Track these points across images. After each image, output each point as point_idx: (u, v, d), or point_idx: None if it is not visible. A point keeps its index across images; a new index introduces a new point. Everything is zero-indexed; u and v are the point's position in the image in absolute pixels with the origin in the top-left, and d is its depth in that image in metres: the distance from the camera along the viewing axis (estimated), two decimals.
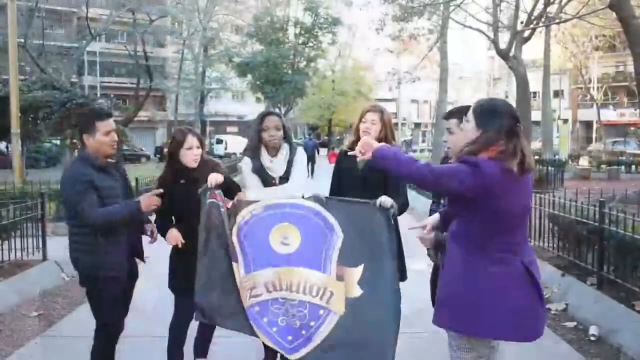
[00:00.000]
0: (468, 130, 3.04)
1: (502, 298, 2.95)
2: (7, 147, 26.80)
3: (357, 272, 3.87)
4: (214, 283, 3.91)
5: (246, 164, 4.29)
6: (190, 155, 4.14)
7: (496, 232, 2.99)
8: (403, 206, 4.20)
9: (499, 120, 2.93)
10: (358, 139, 4.31)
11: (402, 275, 4.32)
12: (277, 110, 42.29)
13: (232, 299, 3.91)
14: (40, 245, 8.05)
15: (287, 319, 3.85)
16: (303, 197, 3.97)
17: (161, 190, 3.97)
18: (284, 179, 4.29)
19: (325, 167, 31.22)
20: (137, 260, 4.26)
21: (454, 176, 2.91)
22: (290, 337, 3.83)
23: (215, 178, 3.92)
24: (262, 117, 4.30)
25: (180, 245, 4.05)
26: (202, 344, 4.48)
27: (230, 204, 3.94)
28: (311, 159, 29.40)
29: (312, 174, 27.79)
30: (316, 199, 3.90)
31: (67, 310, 6.43)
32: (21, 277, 7.16)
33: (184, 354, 4.39)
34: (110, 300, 3.96)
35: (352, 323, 3.81)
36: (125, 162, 37.58)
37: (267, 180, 4.26)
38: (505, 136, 2.90)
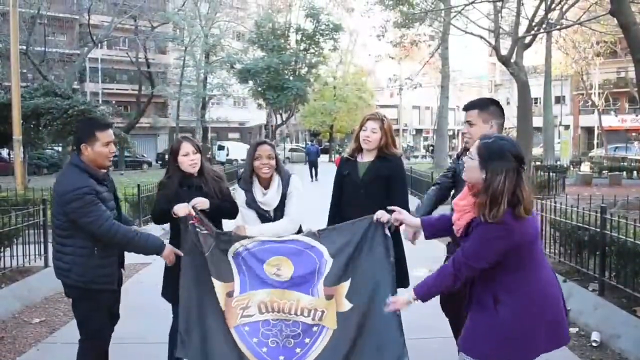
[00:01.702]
0: (471, 167, 2.95)
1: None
2: (9, 154, 26.83)
3: (345, 286, 3.97)
4: (195, 314, 4.01)
5: (240, 196, 4.32)
6: (187, 161, 4.20)
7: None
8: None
9: (504, 164, 2.83)
10: (359, 146, 4.43)
11: (404, 281, 4.35)
12: (277, 117, 42.32)
13: (223, 342, 3.98)
14: (42, 252, 8.06)
15: (278, 340, 3.95)
16: (300, 230, 4.15)
17: (181, 254, 3.99)
18: (279, 211, 4.29)
19: (329, 172, 31.32)
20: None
21: (479, 259, 2.90)
22: (282, 357, 3.92)
23: (198, 203, 4.04)
24: (256, 146, 4.30)
25: (169, 264, 4.04)
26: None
27: (210, 229, 4.03)
28: (314, 165, 29.56)
29: (316, 178, 28.07)
30: (309, 234, 4.04)
31: (69, 317, 6.41)
32: (23, 284, 7.17)
33: None
34: (101, 312, 3.93)
35: (346, 335, 3.90)
36: (127, 168, 37.75)
37: (262, 215, 4.29)
38: (507, 181, 2.80)
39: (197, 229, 3.97)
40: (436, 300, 6.54)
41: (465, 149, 4.09)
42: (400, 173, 4.42)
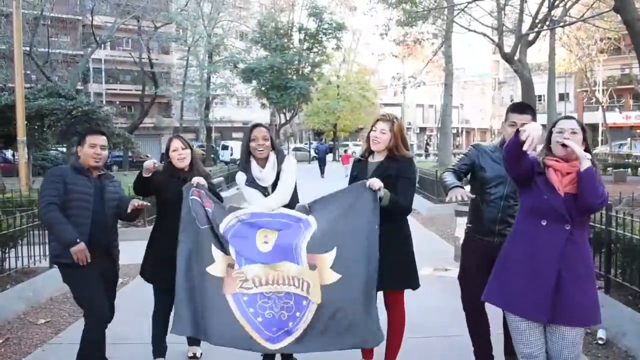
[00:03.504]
0: (577, 139, 3.41)
1: None
2: (13, 155, 26.87)
3: (329, 256, 4.10)
4: (192, 281, 4.25)
5: (240, 177, 4.54)
6: (176, 156, 4.77)
7: None
8: (403, 209, 4.32)
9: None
10: (368, 147, 4.49)
11: (414, 283, 4.42)
12: (281, 116, 42.37)
13: (218, 310, 4.17)
14: (47, 253, 8.05)
15: (274, 312, 4.13)
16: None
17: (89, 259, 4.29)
18: (275, 188, 4.48)
19: (335, 169, 31.38)
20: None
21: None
22: (274, 328, 4.10)
23: (199, 180, 4.45)
24: (251, 128, 4.60)
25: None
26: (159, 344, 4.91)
27: (210, 203, 4.36)
28: (322, 161, 29.66)
29: (322, 175, 28.24)
30: (300, 208, 4.33)
31: (74, 318, 6.44)
32: (28, 285, 7.19)
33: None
34: (84, 284, 4.34)
35: (330, 311, 4.06)
36: (131, 168, 37.79)
37: (260, 191, 4.47)
38: None
39: (199, 202, 4.32)
40: (437, 300, 6.56)
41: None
42: (407, 174, 4.37)
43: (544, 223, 3.33)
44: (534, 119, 4.22)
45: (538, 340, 3.38)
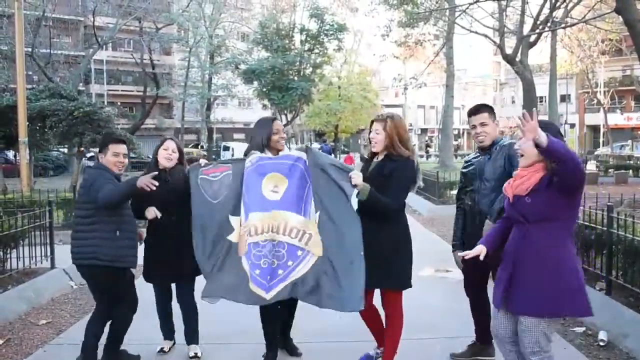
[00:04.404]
0: (530, 147, 3.53)
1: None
2: (14, 156, 26.88)
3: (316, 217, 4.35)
4: (211, 249, 4.47)
5: (254, 156, 4.64)
6: (164, 153, 4.98)
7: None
8: (386, 207, 4.32)
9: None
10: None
11: (405, 283, 4.45)
12: (282, 117, 42.40)
13: (233, 269, 4.39)
14: (49, 254, 8.07)
15: (268, 260, 4.30)
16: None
17: (156, 173, 4.60)
18: None
19: None
20: None
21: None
22: (268, 277, 4.28)
23: (205, 161, 4.75)
24: (271, 122, 4.85)
25: (158, 217, 4.81)
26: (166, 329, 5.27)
27: (225, 167, 4.59)
28: None
29: None
30: (300, 148, 4.75)
31: (75, 318, 6.45)
32: (29, 285, 7.18)
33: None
34: (123, 285, 4.75)
35: (327, 267, 4.26)
36: (133, 169, 37.81)
37: None
38: None
39: (208, 179, 4.53)
40: (438, 301, 6.56)
41: (482, 148, 4.66)
42: (399, 172, 4.35)
43: (515, 224, 3.70)
44: (492, 114, 4.61)
45: (502, 324, 3.78)
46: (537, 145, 3.30)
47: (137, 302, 4.87)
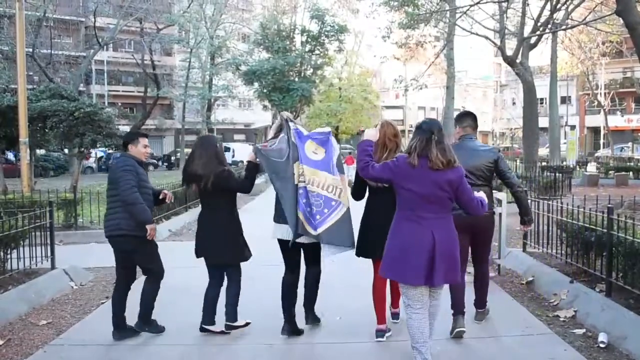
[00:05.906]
0: None
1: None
2: (15, 156, 26.87)
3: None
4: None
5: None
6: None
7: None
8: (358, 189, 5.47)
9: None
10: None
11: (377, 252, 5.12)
12: None
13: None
14: (49, 254, 8.07)
15: (313, 207, 5.12)
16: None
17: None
18: None
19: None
20: None
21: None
22: (312, 219, 5.12)
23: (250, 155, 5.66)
24: (287, 122, 5.42)
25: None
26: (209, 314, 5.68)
27: (275, 140, 5.39)
28: None
29: None
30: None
31: (76, 319, 6.45)
32: (30, 286, 7.18)
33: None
34: (152, 250, 5.62)
35: (347, 216, 5.25)
36: None
37: None
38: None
39: (264, 153, 5.27)
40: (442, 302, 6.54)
41: None
42: None
43: None
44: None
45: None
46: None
47: (163, 272, 5.64)
